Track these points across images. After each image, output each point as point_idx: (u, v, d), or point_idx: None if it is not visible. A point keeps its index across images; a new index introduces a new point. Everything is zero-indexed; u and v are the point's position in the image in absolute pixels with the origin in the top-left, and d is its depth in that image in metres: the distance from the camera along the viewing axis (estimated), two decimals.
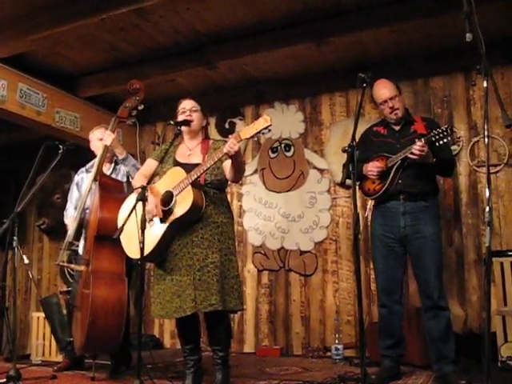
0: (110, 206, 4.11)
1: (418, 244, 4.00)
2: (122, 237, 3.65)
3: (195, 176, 3.54)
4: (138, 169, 4.37)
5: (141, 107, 4.60)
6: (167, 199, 3.62)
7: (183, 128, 3.87)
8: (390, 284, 4.12)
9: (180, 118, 3.92)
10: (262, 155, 6.51)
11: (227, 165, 3.72)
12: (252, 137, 3.44)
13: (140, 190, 3.42)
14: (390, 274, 4.12)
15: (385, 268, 4.13)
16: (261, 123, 3.37)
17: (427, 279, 3.95)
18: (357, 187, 3.80)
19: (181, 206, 3.53)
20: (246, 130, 3.47)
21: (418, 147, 3.82)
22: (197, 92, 6.03)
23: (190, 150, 3.92)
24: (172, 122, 3.83)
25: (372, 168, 4.09)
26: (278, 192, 6.33)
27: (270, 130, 3.43)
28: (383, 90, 4.14)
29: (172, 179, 3.65)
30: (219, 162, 3.70)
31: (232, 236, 3.82)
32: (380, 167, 4.08)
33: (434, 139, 3.81)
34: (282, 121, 6.38)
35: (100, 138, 4.65)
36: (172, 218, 3.56)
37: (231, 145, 3.41)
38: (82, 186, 4.85)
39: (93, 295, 4.01)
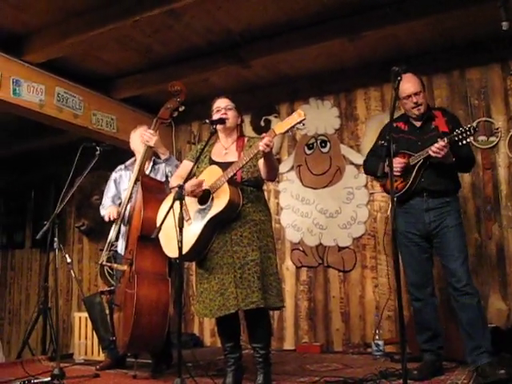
0: (153, 206, 4.10)
1: (442, 233, 3.98)
2: (160, 236, 3.67)
3: (231, 173, 3.55)
4: None
5: (181, 108, 4.60)
6: (204, 197, 3.64)
7: (218, 126, 3.85)
8: (420, 278, 4.10)
9: (215, 116, 3.91)
10: (297, 152, 6.50)
11: (261, 163, 3.71)
12: (286, 131, 3.44)
13: (177, 189, 3.43)
14: (418, 268, 4.10)
15: (413, 263, 4.11)
16: (295, 118, 3.37)
17: (455, 268, 3.89)
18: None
19: (218, 204, 3.54)
20: (280, 124, 3.46)
21: (438, 145, 3.79)
22: (231, 91, 6.00)
23: (225, 148, 3.92)
24: (207, 121, 3.82)
25: (396, 164, 4.02)
26: (314, 188, 6.32)
27: (303, 124, 3.42)
28: (407, 84, 4.02)
29: (209, 177, 3.66)
30: (255, 160, 3.70)
31: (270, 234, 3.81)
32: (403, 162, 4.05)
33: (456, 139, 3.77)
34: (317, 117, 6.36)
35: (141, 136, 4.65)
36: (209, 215, 3.57)
37: (267, 142, 3.39)
38: (121, 183, 4.90)
39: (137, 295, 4.05)
